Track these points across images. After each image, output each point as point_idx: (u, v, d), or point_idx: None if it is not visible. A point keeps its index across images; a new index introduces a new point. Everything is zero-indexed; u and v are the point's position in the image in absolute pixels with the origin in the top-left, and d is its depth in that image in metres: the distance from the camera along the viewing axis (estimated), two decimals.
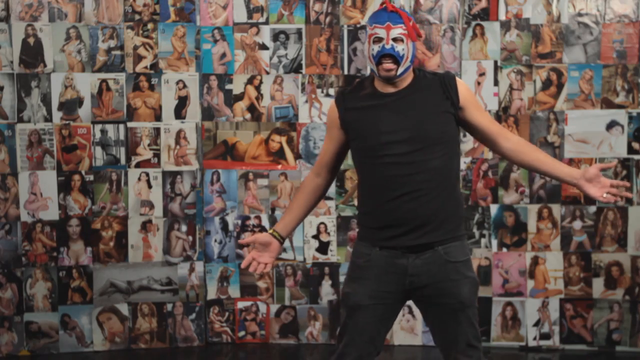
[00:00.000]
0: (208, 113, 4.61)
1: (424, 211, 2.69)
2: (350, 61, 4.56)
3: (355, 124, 2.76)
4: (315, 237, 4.63)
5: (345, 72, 4.56)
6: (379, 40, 2.69)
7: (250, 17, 4.58)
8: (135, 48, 4.53)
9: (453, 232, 2.75)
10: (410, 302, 2.92)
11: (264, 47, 4.58)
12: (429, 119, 2.71)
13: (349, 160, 4.60)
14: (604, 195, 2.70)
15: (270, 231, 2.90)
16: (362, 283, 2.76)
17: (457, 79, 2.78)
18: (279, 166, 4.63)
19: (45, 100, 4.47)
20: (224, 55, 4.59)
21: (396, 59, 2.68)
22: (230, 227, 4.64)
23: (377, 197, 2.73)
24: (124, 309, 4.59)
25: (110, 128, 4.55)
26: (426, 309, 2.80)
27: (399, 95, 2.74)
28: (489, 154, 4.52)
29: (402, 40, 2.68)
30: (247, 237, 2.79)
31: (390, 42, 2.67)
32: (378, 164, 2.71)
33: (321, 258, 4.63)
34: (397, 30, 2.68)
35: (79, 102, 4.51)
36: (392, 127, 2.70)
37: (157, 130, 4.57)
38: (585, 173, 2.72)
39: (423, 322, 4.48)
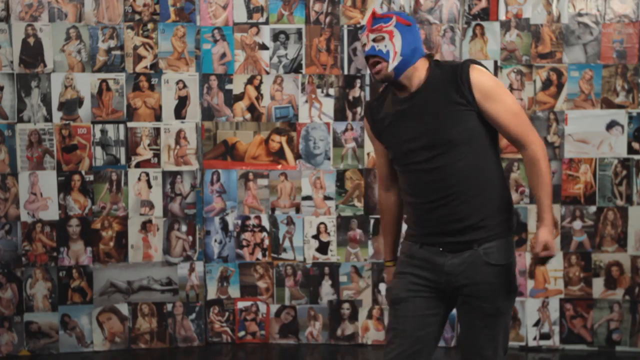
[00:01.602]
0: (208, 113, 4.61)
1: (458, 215, 2.62)
2: (350, 61, 4.56)
3: (383, 135, 2.77)
4: (315, 237, 4.63)
5: (345, 72, 4.56)
6: (363, 46, 2.69)
7: (250, 17, 4.57)
8: (135, 48, 4.53)
9: (494, 229, 2.63)
10: None
11: (264, 47, 4.58)
12: (447, 121, 2.60)
13: (348, 160, 4.62)
14: (537, 250, 2.58)
15: (391, 264, 2.96)
16: (401, 277, 2.77)
17: (474, 68, 2.59)
18: (279, 166, 4.63)
19: (45, 100, 4.47)
20: (224, 55, 4.59)
21: (381, 57, 2.62)
22: (230, 227, 4.64)
23: (410, 202, 2.74)
24: (124, 309, 4.59)
25: (110, 128, 4.55)
26: (460, 308, 2.73)
27: (413, 99, 2.65)
28: None
29: (382, 39, 2.63)
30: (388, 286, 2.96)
31: (370, 43, 2.65)
32: (406, 171, 2.71)
33: (321, 258, 4.63)
34: (374, 33, 2.65)
35: (79, 102, 4.51)
36: (411, 135, 2.65)
37: (157, 130, 4.57)
38: (540, 234, 2.58)
39: None
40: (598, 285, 4.53)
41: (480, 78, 2.57)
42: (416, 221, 2.74)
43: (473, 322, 2.68)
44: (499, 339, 2.68)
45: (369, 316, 4.64)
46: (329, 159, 4.60)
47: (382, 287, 4.55)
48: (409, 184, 2.72)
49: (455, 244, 2.64)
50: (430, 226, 2.69)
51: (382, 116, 2.75)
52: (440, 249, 2.67)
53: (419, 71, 2.65)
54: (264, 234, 4.64)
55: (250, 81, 4.60)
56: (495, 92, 2.58)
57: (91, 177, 4.54)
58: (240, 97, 4.61)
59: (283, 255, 4.65)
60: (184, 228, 4.61)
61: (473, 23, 4.48)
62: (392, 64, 2.61)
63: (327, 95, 4.58)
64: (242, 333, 4.68)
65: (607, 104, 4.47)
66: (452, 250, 2.65)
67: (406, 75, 2.65)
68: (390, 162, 2.84)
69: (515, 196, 4.51)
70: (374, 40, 2.63)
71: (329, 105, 4.59)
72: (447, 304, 2.75)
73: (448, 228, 2.64)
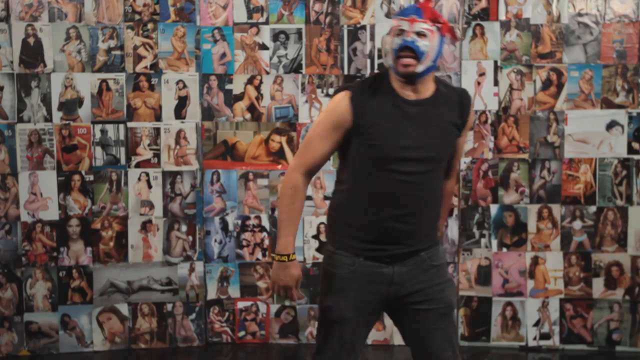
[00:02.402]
0: (208, 113, 4.61)
1: (419, 231, 2.64)
2: (350, 61, 4.56)
3: (373, 130, 2.55)
4: (315, 237, 4.63)
5: (345, 72, 4.56)
6: (400, 32, 2.51)
7: (250, 17, 4.58)
8: (135, 48, 4.53)
9: (434, 237, 2.73)
10: None
11: (264, 47, 4.58)
12: (445, 140, 2.62)
13: None
14: None
15: (295, 258, 2.73)
16: (345, 295, 2.65)
17: (470, 99, 2.70)
18: (279, 166, 4.63)
19: (45, 100, 4.47)
20: (224, 55, 4.59)
21: (416, 54, 2.49)
22: (230, 227, 4.64)
23: (375, 211, 2.60)
24: (124, 309, 4.59)
25: (110, 128, 4.55)
26: (410, 317, 2.69)
27: (421, 105, 2.58)
28: (489, 154, 4.52)
29: (425, 36, 2.50)
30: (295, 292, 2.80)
31: (413, 35, 2.50)
32: (385, 177, 2.56)
33: (321, 258, 4.62)
34: (422, 25, 2.50)
35: (79, 102, 4.51)
36: (411, 143, 2.55)
37: (157, 130, 4.57)
38: None
39: None
40: (598, 285, 4.53)
41: (472, 114, 2.76)
42: (367, 231, 2.61)
43: (427, 327, 2.67)
44: (454, 337, 2.72)
45: None
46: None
47: None
48: (380, 191, 2.58)
49: (402, 254, 2.64)
50: (383, 237, 2.61)
51: (375, 110, 2.56)
52: (386, 261, 2.63)
53: (429, 81, 2.61)
54: (264, 234, 4.64)
55: (250, 81, 4.60)
56: (470, 125, 2.74)
57: (91, 177, 4.54)
58: (240, 97, 4.61)
59: None
60: (184, 228, 4.61)
61: (473, 23, 4.48)
62: (421, 66, 2.52)
63: (327, 95, 4.58)
64: (242, 333, 4.68)
65: (607, 104, 4.47)
66: (399, 260, 2.64)
67: (423, 80, 2.58)
68: (331, 153, 2.62)
69: (515, 196, 4.51)
70: (418, 34, 2.50)
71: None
72: (382, 312, 2.79)
73: (401, 241, 2.62)
